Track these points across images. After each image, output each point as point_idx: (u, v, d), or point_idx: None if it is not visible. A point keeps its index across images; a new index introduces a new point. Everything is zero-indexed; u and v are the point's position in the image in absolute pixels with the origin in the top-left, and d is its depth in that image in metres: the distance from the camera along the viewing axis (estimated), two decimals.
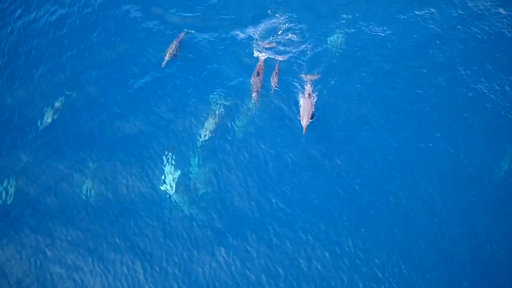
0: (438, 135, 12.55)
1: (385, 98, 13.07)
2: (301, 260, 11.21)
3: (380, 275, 11.02)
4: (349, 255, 11.23)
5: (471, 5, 14.12)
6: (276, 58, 13.39)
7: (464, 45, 13.59)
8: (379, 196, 11.85)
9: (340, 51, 13.69)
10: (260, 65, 13.19)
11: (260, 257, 11.31)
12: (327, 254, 11.26)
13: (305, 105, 12.28)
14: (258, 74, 12.97)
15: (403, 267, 11.08)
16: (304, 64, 13.44)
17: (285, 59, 13.52)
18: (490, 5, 14.11)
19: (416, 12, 14.24)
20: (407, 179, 12.00)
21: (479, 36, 13.69)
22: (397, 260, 11.16)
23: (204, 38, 14.27)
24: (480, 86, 13.07)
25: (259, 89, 12.88)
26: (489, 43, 13.59)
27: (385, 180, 12.02)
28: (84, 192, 12.25)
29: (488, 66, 13.32)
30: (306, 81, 12.93)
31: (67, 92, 13.55)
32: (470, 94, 12.97)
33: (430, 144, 12.40)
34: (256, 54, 13.63)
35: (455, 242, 11.31)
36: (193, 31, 14.20)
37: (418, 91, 13.10)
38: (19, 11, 14.79)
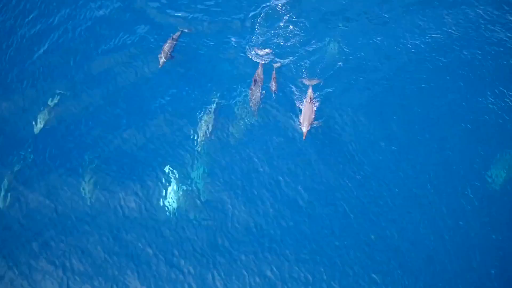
0: (438, 139, 12.61)
1: (384, 103, 13.05)
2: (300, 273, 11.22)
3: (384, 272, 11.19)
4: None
5: (473, 13, 14.15)
6: (274, 65, 13.25)
7: (466, 53, 13.61)
8: (379, 201, 11.86)
9: (342, 55, 13.58)
10: (258, 73, 13.03)
11: (263, 264, 11.28)
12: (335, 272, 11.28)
13: (306, 110, 12.18)
14: (256, 83, 12.81)
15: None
16: (304, 68, 13.32)
17: (284, 63, 13.39)
18: (492, 14, 14.17)
19: (419, 20, 14.18)
20: (408, 182, 12.07)
21: (482, 44, 13.74)
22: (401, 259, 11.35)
23: (200, 40, 14.08)
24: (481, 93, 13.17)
25: (258, 98, 12.72)
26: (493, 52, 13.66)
27: (386, 185, 12.03)
28: (81, 200, 12.03)
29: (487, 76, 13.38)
30: (307, 86, 12.82)
31: (58, 91, 13.30)
32: (468, 99, 13.08)
33: (429, 147, 12.46)
34: (253, 58, 13.48)
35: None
36: (187, 30, 13.98)
37: (420, 96, 13.09)
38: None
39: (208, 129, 12.53)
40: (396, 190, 11.95)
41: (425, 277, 11.13)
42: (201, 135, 12.51)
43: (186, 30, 13.93)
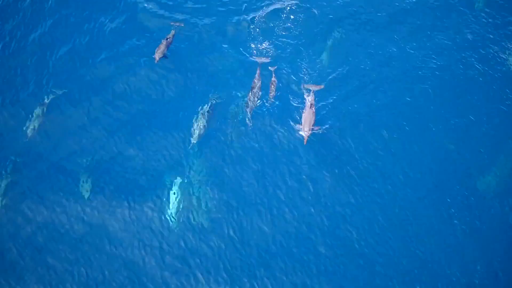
0: (441, 146, 12.66)
1: (386, 109, 13.06)
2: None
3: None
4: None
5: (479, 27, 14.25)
6: (271, 68, 13.17)
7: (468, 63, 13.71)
8: (380, 204, 11.94)
9: (344, 60, 13.54)
10: (256, 79, 12.92)
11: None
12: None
13: (307, 115, 12.11)
14: (253, 89, 12.74)
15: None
16: (305, 73, 13.23)
17: (283, 67, 13.32)
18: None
19: (422, 27, 14.20)
20: (410, 184, 12.16)
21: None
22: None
23: (197, 41, 13.96)
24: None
25: (254, 104, 12.64)
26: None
27: (386, 187, 12.11)
28: (78, 209, 11.74)
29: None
30: (309, 91, 12.70)
31: (53, 90, 13.06)
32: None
33: (432, 152, 12.56)
34: (254, 58, 13.40)
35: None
36: (179, 24, 13.87)
37: (423, 105, 13.13)
38: None
39: (200, 129, 12.44)
40: (398, 194, 12.05)
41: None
42: (195, 134, 12.41)
43: (178, 25, 13.86)
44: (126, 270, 11.17)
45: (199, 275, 11.13)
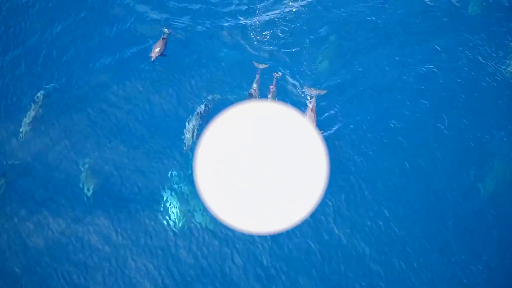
0: (442, 151, 12.72)
1: (387, 115, 13.09)
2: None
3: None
4: None
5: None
6: (274, 74, 13.05)
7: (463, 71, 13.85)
8: (377, 211, 11.93)
9: (346, 66, 13.57)
10: (254, 86, 12.84)
11: None
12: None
13: (308, 119, 12.06)
14: (251, 96, 12.68)
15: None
16: (307, 77, 13.22)
17: (285, 72, 13.27)
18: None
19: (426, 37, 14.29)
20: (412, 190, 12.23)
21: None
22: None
23: (194, 42, 13.90)
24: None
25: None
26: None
27: (386, 195, 12.13)
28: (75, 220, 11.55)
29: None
30: (310, 95, 12.68)
31: (46, 90, 12.91)
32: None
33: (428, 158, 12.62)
34: (254, 64, 13.29)
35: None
36: (169, 31, 13.69)
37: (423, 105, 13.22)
38: None
39: (195, 132, 12.35)
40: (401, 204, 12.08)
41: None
42: (189, 136, 12.34)
43: (168, 32, 13.71)
44: (126, 276, 11.05)
45: (201, 278, 11.09)
